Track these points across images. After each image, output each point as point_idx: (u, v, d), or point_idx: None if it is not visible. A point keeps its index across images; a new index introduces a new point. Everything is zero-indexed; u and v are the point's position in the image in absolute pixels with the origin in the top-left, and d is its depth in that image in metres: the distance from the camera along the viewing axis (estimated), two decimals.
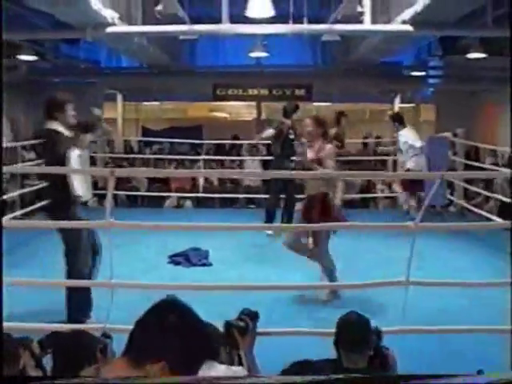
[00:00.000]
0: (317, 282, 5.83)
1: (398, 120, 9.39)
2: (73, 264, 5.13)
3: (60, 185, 5.03)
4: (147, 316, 1.61)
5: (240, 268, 6.76)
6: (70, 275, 5.12)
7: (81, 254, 5.15)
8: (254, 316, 3.07)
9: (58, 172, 5.06)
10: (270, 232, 8.03)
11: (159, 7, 7.31)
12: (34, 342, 2.80)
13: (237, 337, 2.90)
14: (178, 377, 1.52)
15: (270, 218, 8.49)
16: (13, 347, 2.85)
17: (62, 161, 4.96)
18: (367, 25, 7.70)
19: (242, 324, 2.97)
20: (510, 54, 6.03)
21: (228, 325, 2.97)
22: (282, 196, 8.76)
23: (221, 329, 2.93)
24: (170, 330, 1.57)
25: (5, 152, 10.88)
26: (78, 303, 5.08)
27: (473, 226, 7.33)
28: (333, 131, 9.54)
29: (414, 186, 9.04)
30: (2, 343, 2.64)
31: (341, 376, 1.66)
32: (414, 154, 9.15)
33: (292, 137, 8.73)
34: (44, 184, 5.53)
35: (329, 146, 5.96)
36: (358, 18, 7.62)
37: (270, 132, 8.78)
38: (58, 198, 5.12)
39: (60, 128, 5.11)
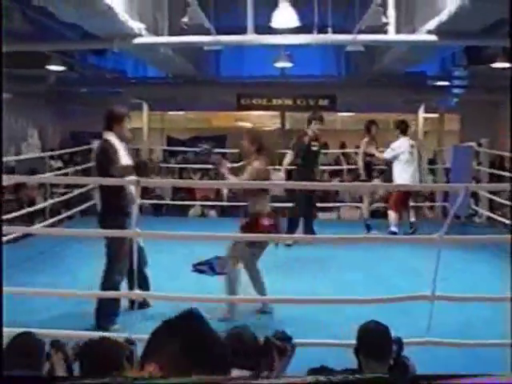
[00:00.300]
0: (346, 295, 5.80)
1: (401, 128, 9.30)
2: (110, 270, 5.30)
3: (116, 193, 5.22)
4: (161, 324, 1.65)
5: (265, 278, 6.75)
6: (104, 280, 5.28)
7: (119, 262, 5.31)
8: (288, 339, 2.97)
9: (84, 182, 5.15)
10: (289, 242, 8.04)
11: (185, 18, 7.36)
12: (67, 344, 2.81)
13: (275, 356, 2.81)
14: (187, 377, 1.53)
15: (292, 227, 8.38)
16: (35, 345, 2.88)
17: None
18: (392, 35, 7.69)
19: (281, 345, 2.86)
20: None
21: (268, 340, 2.87)
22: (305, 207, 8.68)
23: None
24: (172, 336, 1.60)
25: (33, 161, 11.04)
26: (107, 310, 5.18)
27: (497, 239, 7.16)
28: (365, 140, 9.53)
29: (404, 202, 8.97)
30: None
31: (353, 377, 1.65)
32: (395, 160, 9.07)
33: (315, 148, 8.67)
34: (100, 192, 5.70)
35: (255, 164, 5.74)
36: (382, 29, 7.62)
37: (290, 155, 8.68)
38: (115, 206, 5.28)
39: (115, 140, 5.40)
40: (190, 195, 11.90)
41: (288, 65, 12.45)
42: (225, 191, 11.81)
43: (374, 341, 3.04)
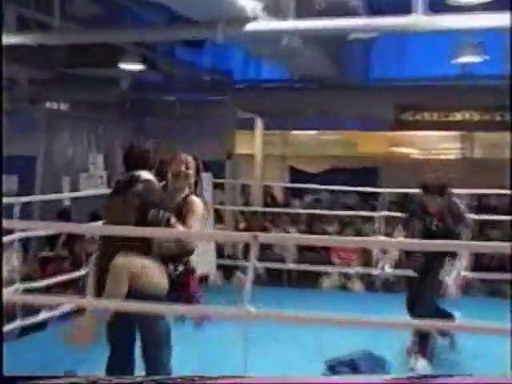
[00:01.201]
0: None
1: None
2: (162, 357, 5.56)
3: None
4: None
5: None
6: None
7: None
8: None
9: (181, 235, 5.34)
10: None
11: None
12: None
13: None
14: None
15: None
16: None
17: None
18: None
19: None
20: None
21: None
22: None
23: None
24: None
25: (94, 200, 11.47)
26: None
27: None
28: None
29: None
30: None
31: None
32: None
33: (434, 228, 7.88)
34: None
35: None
36: None
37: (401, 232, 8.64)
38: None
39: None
40: (325, 257, 11.85)
41: (476, 59, 12.26)
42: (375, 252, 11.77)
43: None
